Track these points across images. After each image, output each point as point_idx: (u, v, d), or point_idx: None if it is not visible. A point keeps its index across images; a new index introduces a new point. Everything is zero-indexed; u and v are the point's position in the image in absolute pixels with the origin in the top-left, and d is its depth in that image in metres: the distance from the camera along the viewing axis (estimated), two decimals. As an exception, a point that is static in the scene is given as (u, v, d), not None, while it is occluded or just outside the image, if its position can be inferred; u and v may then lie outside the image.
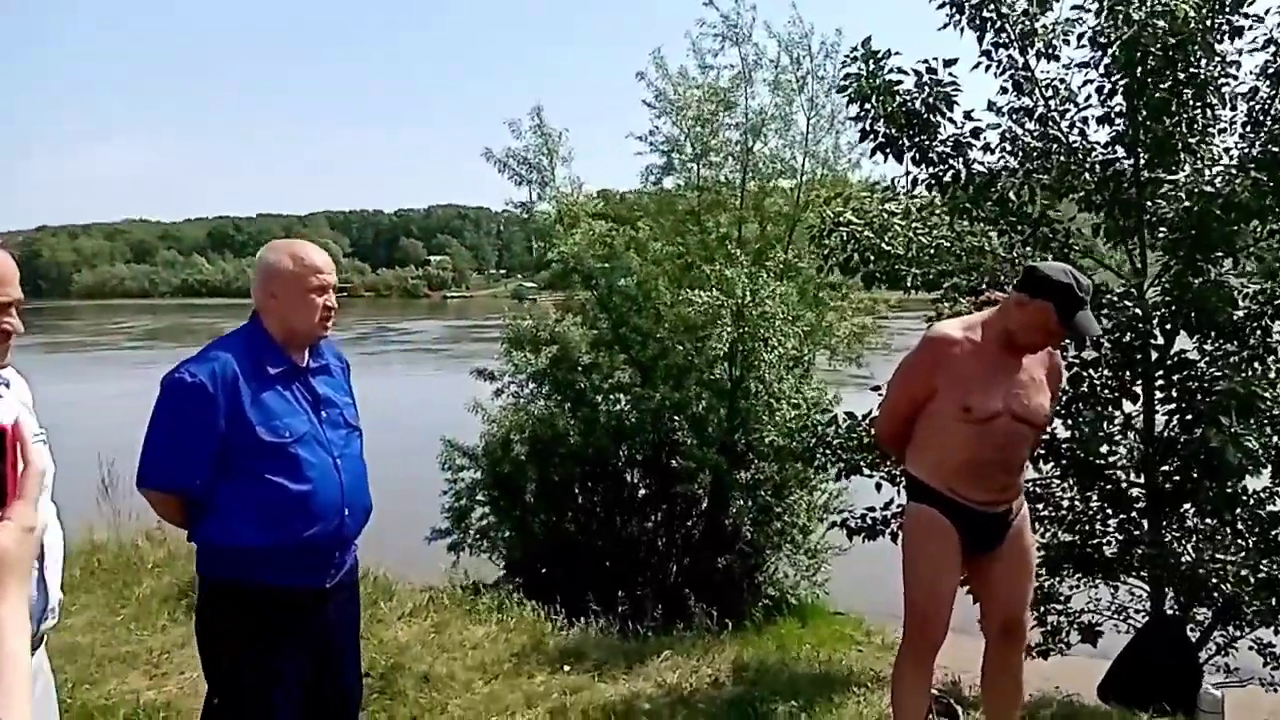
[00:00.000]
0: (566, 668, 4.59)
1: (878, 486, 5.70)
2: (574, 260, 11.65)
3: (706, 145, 11.94)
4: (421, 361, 45.12)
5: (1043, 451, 5.14)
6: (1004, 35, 5.48)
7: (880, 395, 4.09)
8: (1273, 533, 5.12)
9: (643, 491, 12.38)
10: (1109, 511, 5.79)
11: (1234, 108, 5.42)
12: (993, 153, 5.68)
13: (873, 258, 5.74)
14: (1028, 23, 5.42)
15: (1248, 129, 5.37)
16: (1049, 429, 4.07)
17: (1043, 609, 5.95)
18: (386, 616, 5.36)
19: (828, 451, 6.04)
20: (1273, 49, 5.19)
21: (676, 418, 11.65)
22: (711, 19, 11.84)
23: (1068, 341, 3.53)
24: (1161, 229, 5.33)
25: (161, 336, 62.78)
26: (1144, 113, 5.21)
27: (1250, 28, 5.14)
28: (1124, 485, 5.71)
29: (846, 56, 5.64)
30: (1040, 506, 5.79)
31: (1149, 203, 5.37)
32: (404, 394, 27.19)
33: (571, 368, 12.02)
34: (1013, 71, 5.58)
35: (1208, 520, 5.38)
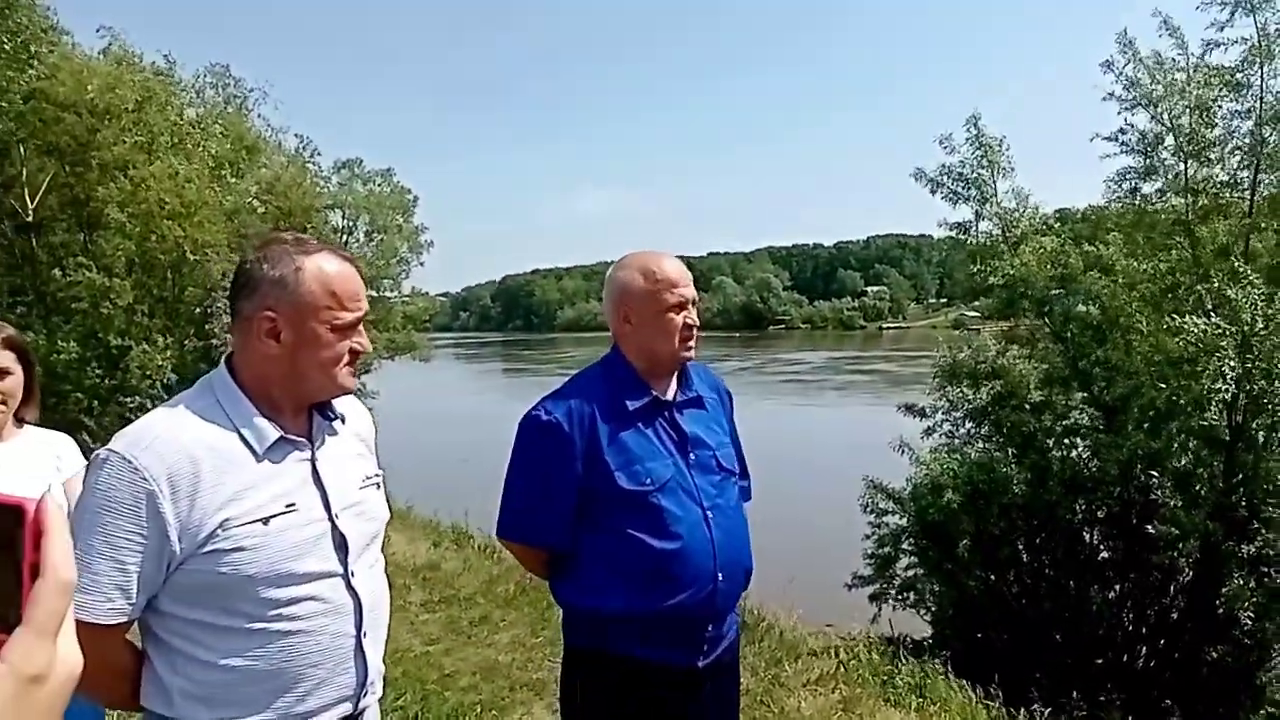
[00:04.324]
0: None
1: None
2: (1022, 284, 10.19)
3: (1200, 139, 9.72)
4: (780, 392, 44.40)
5: None
6: None
7: None
8: None
9: (1104, 555, 10.42)
10: None
11: None
12: None
13: None
14: None
15: None
16: None
17: None
18: (790, 681, 4.90)
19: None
20: None
21: (1152, 472, 9.62)
22: None
23: None
24: None
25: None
26: None
27: None
28: None
29: None
30: None
31: None
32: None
33: (1018, 406, 10.52)
34: None
35: None
